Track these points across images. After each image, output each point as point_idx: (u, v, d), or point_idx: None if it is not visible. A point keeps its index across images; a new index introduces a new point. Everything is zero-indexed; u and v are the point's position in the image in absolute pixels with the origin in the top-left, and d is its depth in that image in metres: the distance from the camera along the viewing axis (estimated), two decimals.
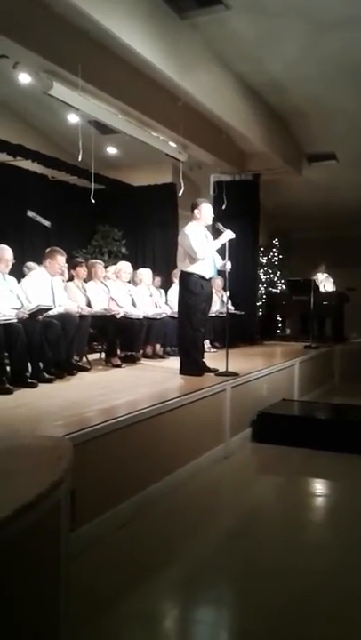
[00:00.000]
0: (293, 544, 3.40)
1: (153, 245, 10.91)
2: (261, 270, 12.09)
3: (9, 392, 4.44)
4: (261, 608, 2.67)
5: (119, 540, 3.28)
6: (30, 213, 9.16)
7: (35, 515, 1.94)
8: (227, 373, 5.46)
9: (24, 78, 6.64)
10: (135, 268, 7.78)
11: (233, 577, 3.01)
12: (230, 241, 5.61)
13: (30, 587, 1.99)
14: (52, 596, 2.18)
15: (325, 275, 10.87)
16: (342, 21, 6.20)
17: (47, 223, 9.42)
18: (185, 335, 5.64)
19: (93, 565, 2.96)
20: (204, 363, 5.68)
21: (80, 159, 6.51)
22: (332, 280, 11.00)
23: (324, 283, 10.62)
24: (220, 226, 5.63)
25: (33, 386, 4.72)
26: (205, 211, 5.60)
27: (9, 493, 2.02)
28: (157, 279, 8.38)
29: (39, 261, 6.13)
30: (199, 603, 2.77)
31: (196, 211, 5.61)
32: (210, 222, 5.64)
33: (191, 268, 5.52)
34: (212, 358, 6.03)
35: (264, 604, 2.70)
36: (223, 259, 5.70)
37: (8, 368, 4.72)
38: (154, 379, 5.51)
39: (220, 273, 6.06)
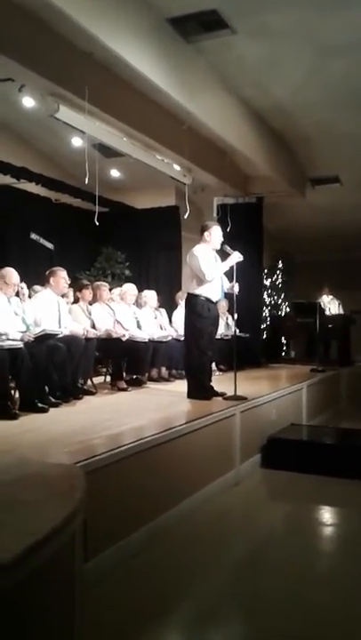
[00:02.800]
0: (305, 576, 3.29)
1: (157, 268, 10.89)
2: (265, 293, 12.04)
3: (15, 417, 4.34)
4: None
5: (132, 571, 3.16)
6: (34, 236, 9.14)
7: (49, 550, 1.83)
8: (235, 397, 5.36)
9: (28, 102, 6.67)
10: (139, 290, 7.72)
11: (244, 612, 2.91)
12: (237, 263, 5.56)
13: (45, 624, 1.87)
14: (66, 632, 2.06)
15: (330, 297, 10.81)
16: (347, 46, 6.22)
17: (50, 245, 9.39)
18: (192, 359, 5.55)
19: (106, 598, 2.86)
20: (211, 387, 5.59)
21: (87, 182, 6.47)
22: (337, 302, 10.94)
23: (330, 305, 10.56)
24: (228, 248, 5.58)
25: (44, 411, 4.63)
26: (215, 234, 5.55)
27: (21, 527, 1.91)
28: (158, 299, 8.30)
29: (42, 283, 6.08)
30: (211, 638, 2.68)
31: (206, 233, 5.56)
32: (218, 246, 5.58)
33: (199, 290, 5.45)
34: (219, 381, 5.93)
35: (274, 637, 2.62)
36: (231, 281, 5.64)
37: (15, 392, 4.62)
38: (161, 403, 5.40)
39: (228, 295, 5.98)
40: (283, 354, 11.65)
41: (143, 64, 5.65)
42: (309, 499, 4.82)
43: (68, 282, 5.97)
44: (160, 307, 8.25)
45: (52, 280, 5.72)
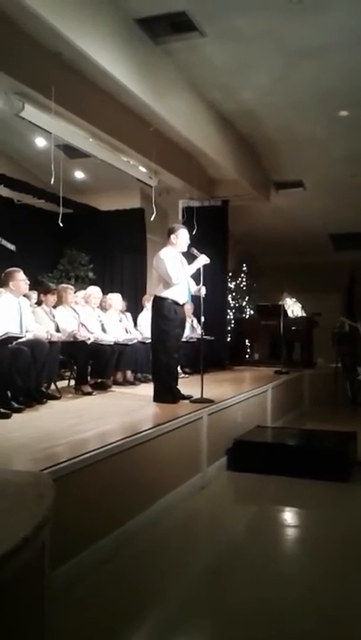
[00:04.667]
0: (273, 578, 3.30)
1: (121, 270, 10.81)
2: (230, 296, 12.09)
3: None
4: None
5: (100, 579, 3.11)
6: None
7: (19, 560, 1.77)
8: (202, 400, 5.35)
9: None
10: (103, 293, 7.64)
11: (214, 615, 2.89)
12: (203, 266, 5.56)
13: (15, 635, 1.81)
14: None
15: (293, 299, 10.93)
16: (314, 51, 6.30)
17: (12, 247, 9.22)
18: (159, 362, 5.52)
19: (76, 605, 2.80)
20: (178, 390, 5.56)
21: (52, 182, 6.37)
22: (300, 305, 11.07)
23: (293, 308, 10.66)
24: (195, 251, 5.58)
25: (6, 416, 4.52)
26: (182, 237, 5.54)
27: None
28: (124, 303, 8.25)
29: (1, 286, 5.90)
30: None
31: (172, 236, 5.54)
32: (185, 249, 5.57)
33: (165, 293, 5.43)
34: (184, 384, 5.91)
35: None
36: (198, 284, 5.64)
37: None
38: (128, 407, 5.35)
39: (195, 298, 5.98)
40: (247, 356, 11.72)
41: (111, 64, 5.61)
42: (275, 500, 4.85)
43: (28, 283, 5.81)
44: (126, 311, 8.20)
45: (10, 283, 5.49)
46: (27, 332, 5.46)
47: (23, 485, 2.44)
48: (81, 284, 9.54)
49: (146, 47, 6.10)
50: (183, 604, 2.96)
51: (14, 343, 5.03)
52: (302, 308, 11.09)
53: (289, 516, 4.59)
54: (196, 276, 5.63)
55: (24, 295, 5.80)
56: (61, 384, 6.37)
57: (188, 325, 8.00)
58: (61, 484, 2.85)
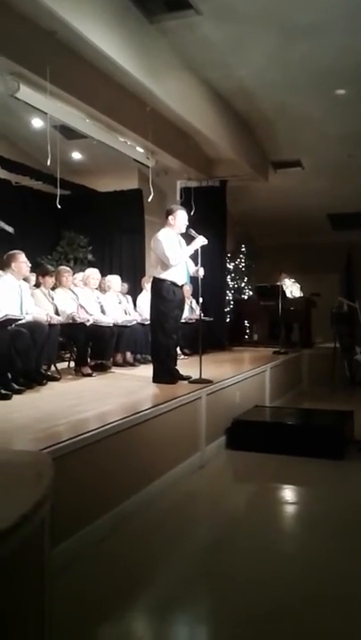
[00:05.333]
0: (272, 556, 3.34)
1: (120, 252, 10.80)
2: (229, 276, 12.09)
3: None
4: (240, 623, 2.62)
5: (98, 557, 3.17)
6: None
7: (18, 538, 1.82)
8: (201, 381, 5.39)
9: None
10: (102, 274, 7.66)
11: (212, 594, 2.94)
12: (201, 247, 5.56)
13: (15, 612, 1.86)
14: (37, 618, 2.05)
15: (292, 280, 10.95)
16: (310, 28, 6.23)
17: (10, 229, 9.19)
18: (158, 343, 5.55)
19: (73, 583, 2.85)
20: (177, 370, 5.61)
21: (49, 164, 6.35)
22: (298, 286, 11.09)
23: (291, 288, 10.68)
24: (193, 232, 5.57)
25: (7, 397, 4.57)
26: (180, 218, 5.53)
27: None
28: (125, 286, 8.27)
29: (1, 268, 5.94)
30: (179, 621, 2.71)
31: (170, 217, 5.53)
32: (183, 230, 5.57)
33: (164, 275, 5.44)
34: (183, 365, 5.96)
35: (242, 618, 2.66)
36: (196, 265, 5.65)
37: None
38: (127, 388, 5.40)
39: (193, 279, 5.99)
40: (246, 337, 11.76)
41: (106, 43, 5.55)
42: (274, 478, 4.90)
43: (29, 265, 5.86)
44: (126, 293, 8.22)
45: (13, 265, 5.58)
46: (26, 314, 5.49)
47: (23, 465, 2.49)
48: (80, 265, 9.55)
49: (141, 26, 6.03)
50: (180, 581, 3.01)
51: (14, 325, 5.07)
52: (301, 288, 11.12)
53: (287, 493, 4.64)
54: (194, 257, 5.64)
55: (23, 278, 5.84)
56: (61, 365, 6.42)
57: (186, 307, 8.03)
58: (61, 464, 2.90)
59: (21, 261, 5.60)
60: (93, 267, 8.13)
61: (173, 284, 5.46)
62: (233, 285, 12.51)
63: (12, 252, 5.67)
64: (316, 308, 10.65)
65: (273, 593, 2.87)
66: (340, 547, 3.47)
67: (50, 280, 6.39)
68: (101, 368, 6.55)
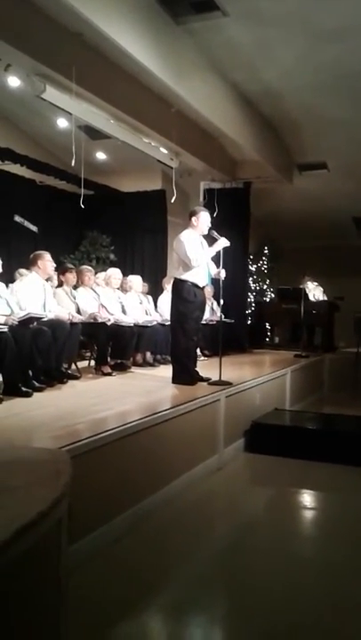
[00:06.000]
0: (288, 559, 3.33)
1: (142, 252, 10.82)
2: (251, 278, 12.05)
3: None
4: (256, 624, 2.60)
5: (115, 556, 3.18)
6: (17, 218, 9.04)
7: (35, 534, 1.83)
8: (220, 382, 5.38)
9: (13, 81, 6.52)
10: (124, 274, 7.68)
11: (228, 595, 2.94)
12: (223, 248, 5.56)
13: (31, 608, 1.88)
14: (52, 615, 2.07)
15: (315, 283, 10.86)
16: (338, 31, 6.18)
17: (34, 228, 9.30)
18: (178, 344, 5.55)
19: (89, 582, 2.86)
20: (196, 372, 5.60)
21: (74, 164, 6.39)
22: (321, 289, 11.00)
23: (314, 291, 10.60)
24: (215, 233, 5.57)
25: (28, 395, 4.61)
26: (203, 219, 5.53)
27: (8, 511, 1.90)
28: (146, 286, 8.29)
29: (27, 267, 6.02)
30: (194, 623, 2.71)
31: (193, 218, 5.54)
32: (206, 232, 5.56)
33: (185, 276, 5.44)
34: (203, 367, 5.95)
35: (258, 620, 2.64)
36: (217, 266, 5.64)
37: None
38: (146, 388, 5.40)
39: (214, 281, 5.98)
40: (267, 339, 11.70)
41: (131, 45, 5.57)
42: (292, 483, 4.87)
43: (54, 265, 5.94)
44: (147, 293, 8.23)
45: (39, 263, 5.67)
46: (49, 311, 5.54)
47: (41, 462, 2.50)
48: (102, 265, 9.59)
49: (167, 27, 6.04)
50: (196, 582, 3.01)
51: (35, 323, 5.11)
52: (324, 291, 11.02)
53: (306, 498, 4.62)
54: (215, 259, 5.63)
55: (47, 278, 5.91)
56: (82, 364, 6.45)
57: (207, 308, 8.02)
58: (79, 462, 2.92)
59: (47, 260, 5.70)
60: (115, 266, 8.16)
61: (194, 285, 5.45)
62: (255, 287, 12.45)
63: (38, 251, 5.77)
64: (340, 312, 10.55)
65: (290, 596, 2.85)
66: (360, 554, 3.43)
67: (71, 276, 6.43)
68: (121, 368, 6.57)
